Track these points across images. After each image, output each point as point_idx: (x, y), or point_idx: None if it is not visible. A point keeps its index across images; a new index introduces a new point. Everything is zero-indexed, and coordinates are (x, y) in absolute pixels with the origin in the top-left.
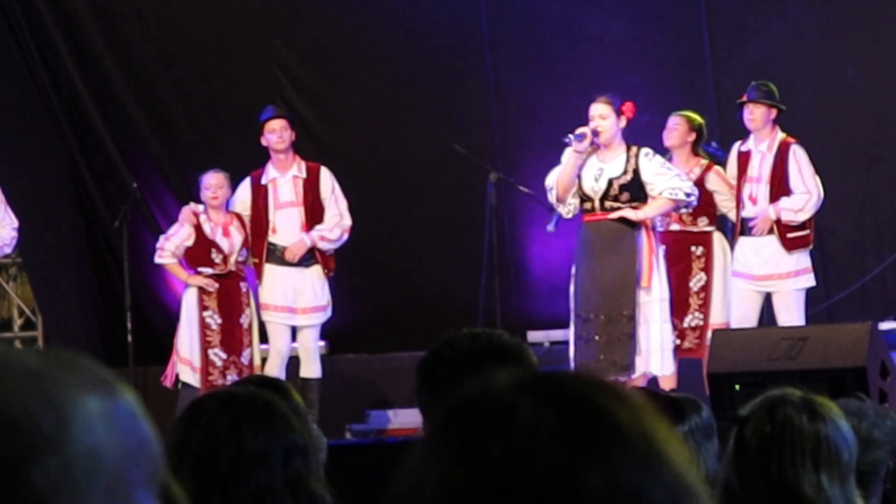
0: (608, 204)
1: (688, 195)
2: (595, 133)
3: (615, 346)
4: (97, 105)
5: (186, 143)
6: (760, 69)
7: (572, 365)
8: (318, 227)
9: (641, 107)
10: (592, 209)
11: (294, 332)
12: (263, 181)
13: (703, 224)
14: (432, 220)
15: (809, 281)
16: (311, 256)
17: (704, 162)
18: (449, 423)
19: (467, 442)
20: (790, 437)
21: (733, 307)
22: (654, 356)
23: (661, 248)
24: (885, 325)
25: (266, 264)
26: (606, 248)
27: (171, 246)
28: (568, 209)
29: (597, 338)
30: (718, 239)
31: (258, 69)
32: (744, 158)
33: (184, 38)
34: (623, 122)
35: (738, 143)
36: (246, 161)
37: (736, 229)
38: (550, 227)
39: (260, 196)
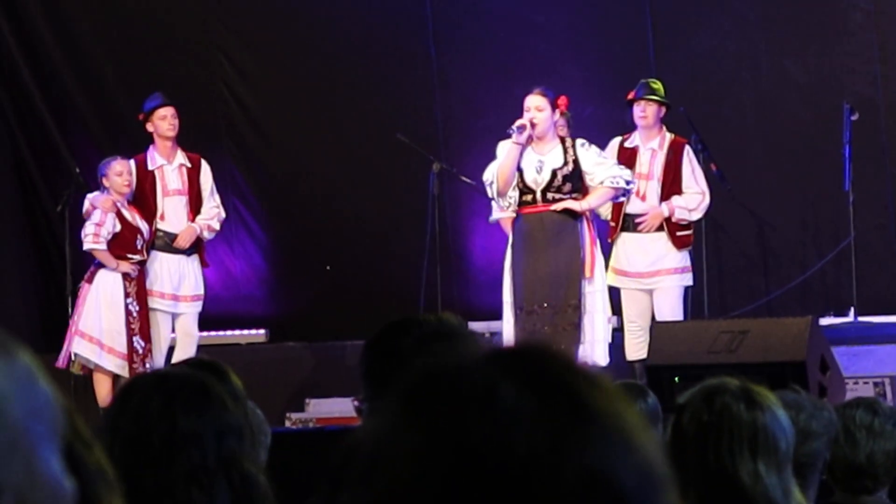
0: (550, 195)
1: (627, 183)
2: (532, 125)
3: (561, 336)
4: (40, 89)
5: (129, 127)
6: (703, 63)
7: None
8: (201, 216)
9: (583, 98)
10: (533, 201)
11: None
12: (150, 167)
13: None
14: (374, 208)
15: (689, 280)
16: (194, 245)
17: None
18: (420, 404)
19: (443, 426)
20: (728, 425)
21: (625, 307)
22: (598, 346)
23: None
24: (825, 321)
25: (152, 251)
26: (550, 240)
27: (104, 233)
28: (508, 202)
29: (546, 328)
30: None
31: (201, 53)
32: (629, 154)
33: (127, 21)
34: (557, 116)
35: (618, 139)
36: (186, 144)
37: (616, 224)
38: (493, 218)
39: (147, 182)
